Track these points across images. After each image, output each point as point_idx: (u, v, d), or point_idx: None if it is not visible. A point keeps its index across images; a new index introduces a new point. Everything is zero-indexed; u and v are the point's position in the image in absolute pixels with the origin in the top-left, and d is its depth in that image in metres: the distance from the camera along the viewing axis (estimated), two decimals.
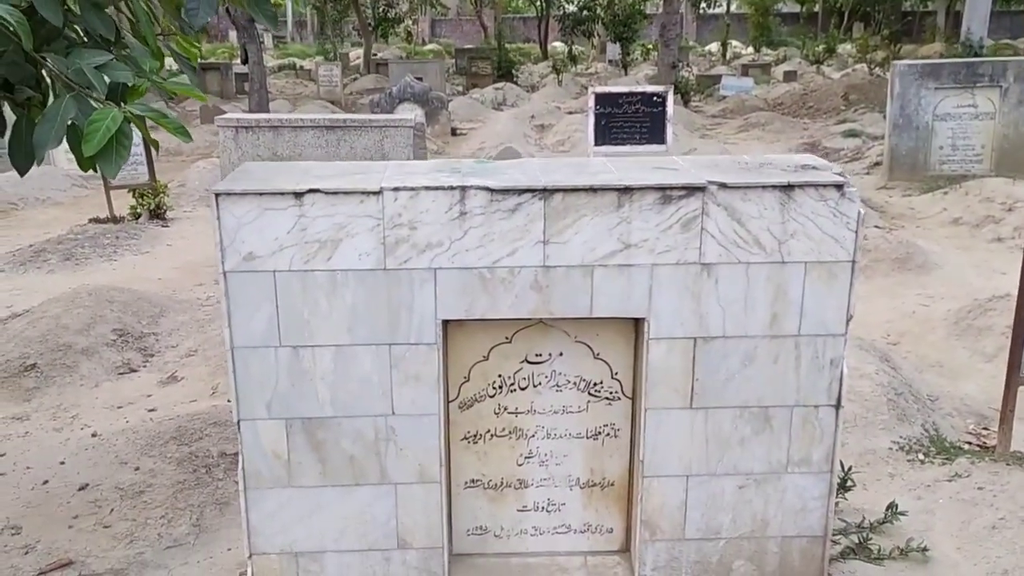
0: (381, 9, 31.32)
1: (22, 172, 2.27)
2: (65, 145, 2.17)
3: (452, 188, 2.34)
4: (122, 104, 2.03)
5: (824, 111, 16.48)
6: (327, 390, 2.45)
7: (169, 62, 2.61)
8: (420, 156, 11.28)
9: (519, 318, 2.48)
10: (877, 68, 20.51)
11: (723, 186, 2.37)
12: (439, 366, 2.46)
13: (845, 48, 32.69)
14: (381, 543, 2.58)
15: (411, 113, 13.51)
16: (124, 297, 5.37)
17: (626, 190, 2.36)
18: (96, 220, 7.82)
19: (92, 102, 2.04)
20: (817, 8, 45.44)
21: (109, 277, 6.32)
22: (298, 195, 2.31)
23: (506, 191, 2.35)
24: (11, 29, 1.93)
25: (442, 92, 16.87)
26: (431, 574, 2.61)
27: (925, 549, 2.92)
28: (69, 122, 2.03)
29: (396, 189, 2.33)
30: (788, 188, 2.38)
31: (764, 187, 2.38)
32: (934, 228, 7.74)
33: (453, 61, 28.89)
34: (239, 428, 2.47)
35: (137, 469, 3.47)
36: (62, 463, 3.62)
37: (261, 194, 2.30)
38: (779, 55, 34.30)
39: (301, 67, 29.09)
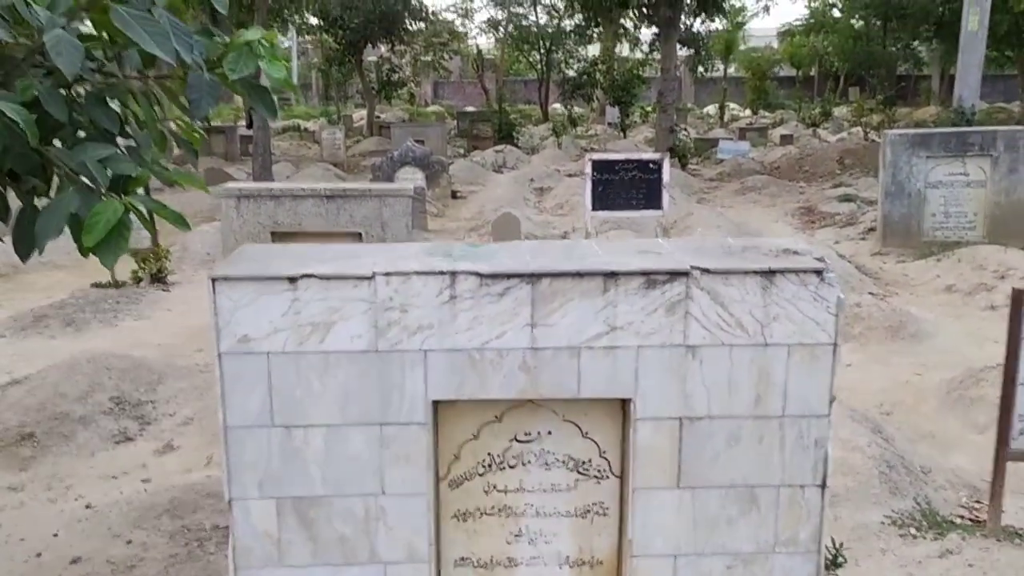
0: (385, 73, 31.94)
1: (24, 259, 2.34)
2: None
3: (442, 273, 2.41)
4: (123, 195, 2.11)
5: (820, 175, 16.70)
6: (318, 469, 2.49)
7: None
8: (419, 222, 11.44)
9: (508, 398, 2.53)
10: (872, 132, 20.87)
11: (706, 271, 2.44)
12: (429, 445, 2.50)
13: (841, 111, 33.25)
14: None
15: (412, 176, 13.75)
16: (122, 364, 5.41)
17: (612, 275, 2.43)
18: (98, 285, 7.90)
19: (95, 194, 2.12)
20: (813, 72, 46.31)
21: (109, 342, 6.37)
22: (292, 280, 2.38)
23: (495, 276, 2.41)
24: (18, 126, 2.01)
25: (443, 155, 17.15)
26: None
27: None
28: (72, 212, 2.11)
29: (388, 274, 2.40)
30: (769, 273, 2.45)
31: (746, 272, 2.44)
32: (928, 295, 7.82)
33: (455, 123, 29.36)
34: (230, 507, 2.49)
35: (129, 542, 3.49)
36: (55, 535, 3.63)
37: (257, 279, 2.37)
38: (776, 118, 34.89)
39: (305, 129, 29.56)
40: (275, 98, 2.69)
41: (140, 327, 6.98)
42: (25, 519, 3.83)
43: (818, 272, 2.46)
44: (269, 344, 2.41)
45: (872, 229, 10.33)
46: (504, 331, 2.44)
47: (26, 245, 2.27)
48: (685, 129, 22.64)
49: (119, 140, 2.48)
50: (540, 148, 24.33)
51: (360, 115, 33.41)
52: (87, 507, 3.90)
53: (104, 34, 2.39)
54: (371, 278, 2.39)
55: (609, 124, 29.79)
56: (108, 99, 2.36)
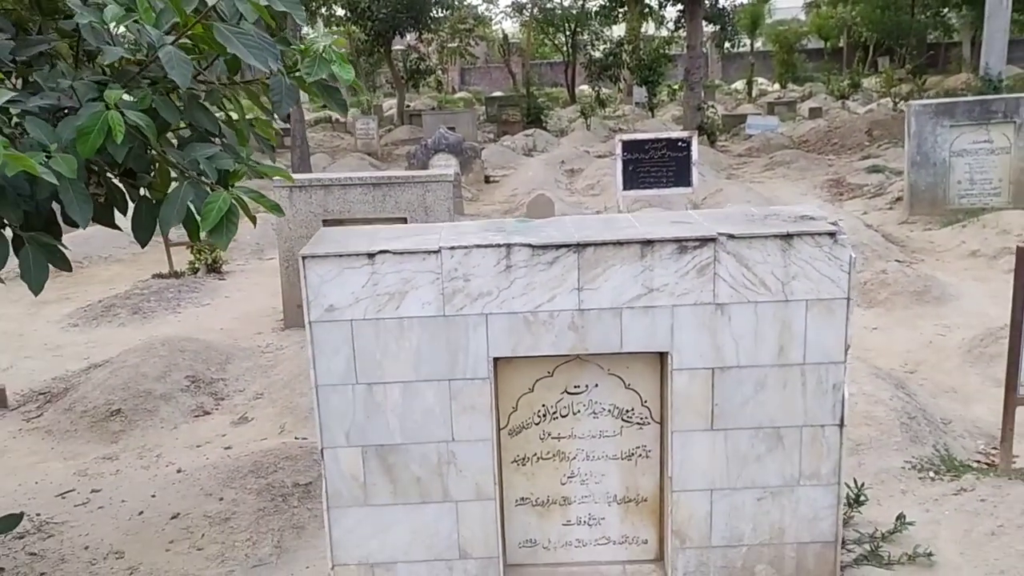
0: (413, 62, 32.30)
1: (143, 244, 2.73)
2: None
3: (499, 246, 2.77)
4: (228, 188, 2.48)
5: (848, 147, 16.81)
6: (396, 420, 2.87)
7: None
8: (458, 206, 11.80)
9: (559, 355, 2.88)
10: (902, 102, 20.83)
11: (731, 237, 2.77)
12: (491, 398, 2.87)
13: (870, 82, 33.04)
14: (445, 554, 2.97)
15: (446, 163, 14.11)
16: (193, 346, 5.85)
17: (648, 242, 2.77)
18: (159, 275, 8.37)
19: (204, 187, 2.49)
20: (842, 43, 45.86)
21: (175, 328, 6.82)
22: (371, 255, 2.75)
23: (545, 247, 2.77)
24: (140, 131, 2.39)
25: (474, 141, 17.48)
26: None
27: (930, 554, 3.24)
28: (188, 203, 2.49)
29: (452, 248, 2.76)
30: (788, 237, 2.77)
31: (767, 237, 2.77)
32: (953, 261, 8.04)
33: (483, 109, 29.63)
34: (322, 455, 2.88)
35: (221, 499, 3.90)
36: (153, 496, 4.06)
37: (340, 255, 2.75)
38: (805, 91, 34.72)
39: (337, 120, 30.01)
40: (344, 97, 3.07)
41: (201, 313, 7.43)
42: (123, 484, 4.26)
43: (832, 234, 2.78)
44: (352, 312, 2.79)
45: (899, 199, 10.51)
46: (554, 295, 2.80)
47: (146, 232, 2.66)
48: (713, 106, 22.73)
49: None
50: (569, 130, 24.57)
51: (389, 104, 33.81)
52: (178, 471, 4.32)
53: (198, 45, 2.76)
54: (438, 252, 2.76)
55: (637, 104, 29.89)
56: (210, 103, 2.74)
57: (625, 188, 9.91)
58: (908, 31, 36.13)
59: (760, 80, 39.70)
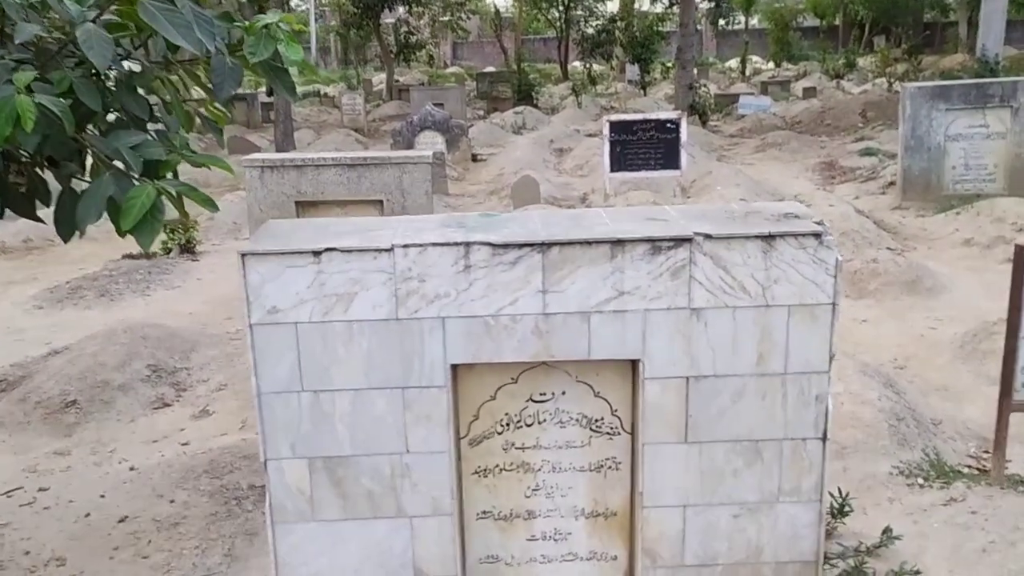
0: (403, 35, 31.84)
1: (66, 240, 2.51)
2: None
3: (457, 244, 2.54)
4: (155, 180, 2.26)
5: (842, 128, 16.59)
6: (346, 430, 2.66)
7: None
8: (440, 186, 11.56)
9: (523, 361, 2.67)
10: (897, 82, 20.58)
11: (708, 237, 2.55)
12: (449, 407, 2.66)
13: (866, 62, 32.74)
14: (399, 573, 2.77)
15: (432, 140, 13.84)
16: (157, 333, 5.63)
17: (618, 242, 2.55)
18: (129, 256, 8.13)
19: (129, 179, 2.27)
20: (838, 22, 45.50)
21: (143, 312, 6.60)
22: (316, 253, 2.53)
23: (507, 246, 2.55)
24: (56, 116, 2.16)
25: (463, 118, 17.19)
26: None
27: (918, 572, 3.06)
28: (109, 196, 2.26)
29: (406, 246, 2.54)
30: (770, 238, 2.56)
31: (747, 237, 2.56)
32: (946, 249, 7.85)
33: (474, 85, 29.27)
34: (266, 467, 2.67)
35: (172, 502, 3.70)
36: (102, 496, 3.85)
37: (283, 253, 2.52)
38: (799, 70, 34.42)
39: (325, 94, 29.60)
40: (294, 78, 2.83)
41: (171, 297, 7.20)
42: (73, 482, 4.06)
43: (816, 235, 2.57)
44: (296, 314, 2.57)
45: (893, 183, 10.31)
46: (517, 298, 2.58)
47: (68, 227, 2.44)
48: (705, 85, 22.45)
49: (149, 125, 2.64)
50: (560, 108, 24.27)
51: (379, 79, 33.37)
52: (131, 469, 4.12)
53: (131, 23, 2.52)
54: (390, 250, 2.54)
55: (629, 82, 29.58)
56: (139, 86, 2.50)
57: (613, 170, 9.69)
58: (904, 10, 35.79)
59: (754, 58, 39.34)
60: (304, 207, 6.46)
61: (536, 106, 23.36)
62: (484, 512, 2.90)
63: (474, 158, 15.02)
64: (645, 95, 26.86)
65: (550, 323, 2.60)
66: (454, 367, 2.67)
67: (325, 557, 2.74)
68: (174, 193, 2.26)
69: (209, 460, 4.00)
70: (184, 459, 4.11)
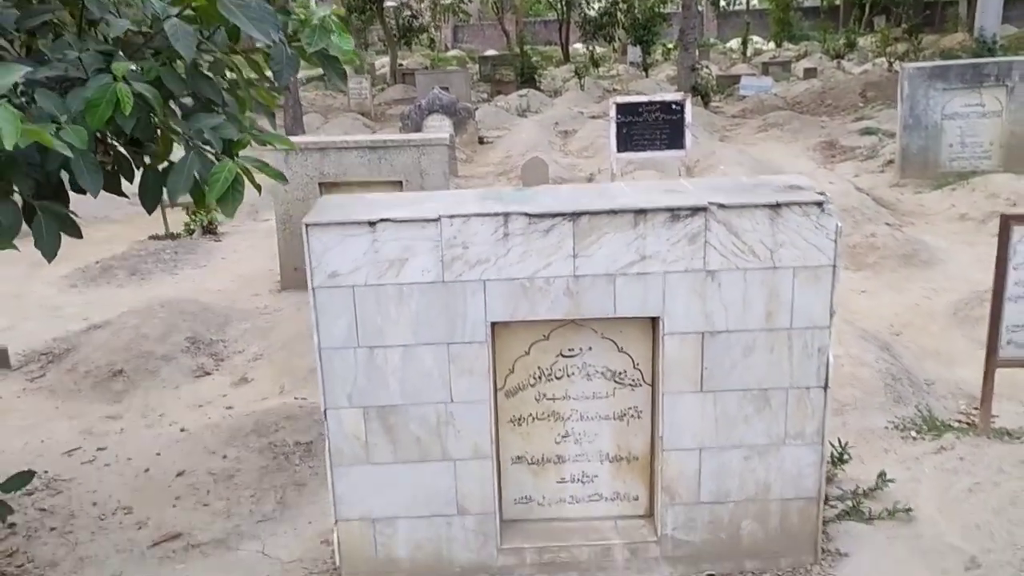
0: (405, 19, 31.99)
1: (150, 211, 2.81)
2: None
3: (497, 214, 2.85)
4: (233, 157, 2.55)
5: (842, 108, 16.83)
6: (397, 383, 2.97)
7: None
8: (452, 168, 11.83)
9: (554, 319, 2.98)
10: (897, 62, 20.78)
11: (722, 206, 2.86)
12: (489, 361, 2.97)
13: (866, 42, 32.86)
14: (444, 510, 3.09)
15: (440, 123, 14.09)
16: (192, 308, 5.94)
17: (641, 211, 2.85)
18: (155, 237, 8.42)
19: (210, 156, 2.56)
20: (838, 2, 45.50)
21: (173, 289, 6.90)
22: (372, 224, 2.83)
23: (542, 215, 2.85)
24: (147, 101, 2.45)
25: (468, 101, 17.42)
26: (485, 536, 3.12)
27: (909, 510, 3.38)
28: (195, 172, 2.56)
29: (451, 216, 2.84)
30: (776, 207, 2.86)
31: (756, 206, 2.86)
32: (942, 224, 8.15)
33: (477, 68, 29.43)
34: (325, 416, 2.99)
35: (225, 457, 4.01)
36: (158, 454, 4.17)
37: (343, 223, 2.82)
38: (800, 50, 34.52)
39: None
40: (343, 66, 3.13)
41: (198, 275, 7.50)
42: (128, 442, 4.37)
43: (819, 204, 2.87)
44: (353, 279, 2.87)
45: (891, 162, 10.58)
46: (550, 262, 2.89)
47: (152, 200, 2.73)
48: (707, 67, 22.64)
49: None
50: (563, 91, 24.46)
51: (382, 63, 33.53)
52: (182, 431, 4.43)
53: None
54: (437, 220, 2.84)
55: (631, 64, 29.73)
56: (214, 74, 2.79)
57: (619, 151, 9.94)
58: None
59: (755, 39, 39.43)
60: (327, 188, 6.76)
61: (539, 89, 23.56)
62: (518, 457, 3.22)
63: (481, 141, 15.27)
64: (647, 77, 27.04)
65: (580, 284, 2.91)
66: (493, 325, 2.97)
67: (378, 496, 3.06)
68: (250, 168, 2.55)
69: (255, 421, 4.31)
70: (230, 420, 4.42)
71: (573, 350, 3.10)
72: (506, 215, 2.85)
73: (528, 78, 24.60)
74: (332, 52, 3.02)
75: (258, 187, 2.66)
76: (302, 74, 30.66)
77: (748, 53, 35.41)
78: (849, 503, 3.49)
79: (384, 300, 2.90)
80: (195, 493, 3.77)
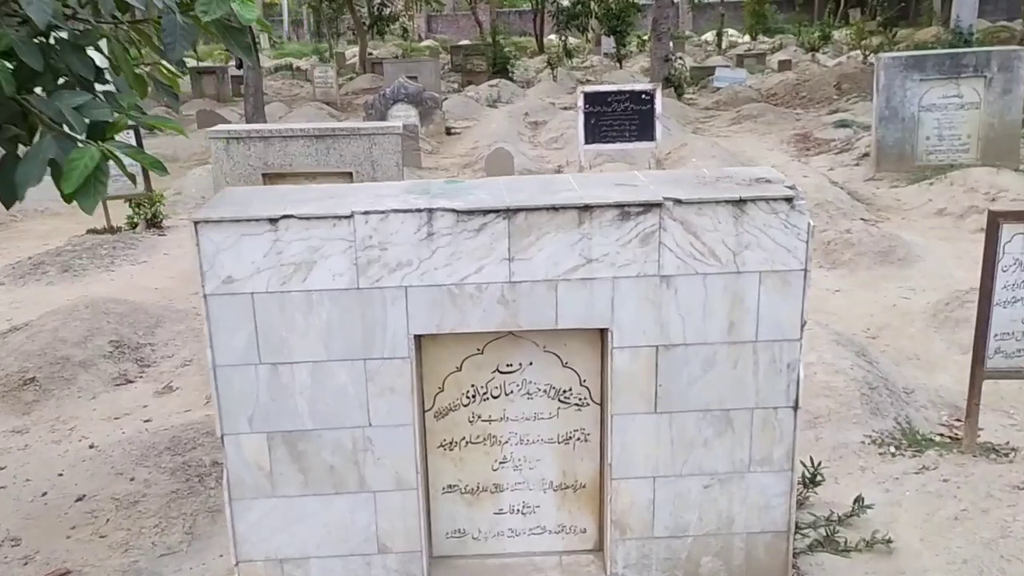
0: (376, 7, 31.39)
1: (7, 206, 2.39)
2: None
3: (419, 211, 2.46)
4: (100, 142, 2.14)
5: (817, 101, 16.56)
6: (306, 404, 2.57)
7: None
8: (413, 159, 11.41)
9: (489, 331, 2.60)
10: (872, 55, 20.55)
11: (678, 202, 2.48)
12: (412, 378, 2.58)
13: (841, 35, 32.70)
14: (362, 548, 2.70)
15: (406, 113, 13.65)
16: (121, 308, 5.49)
17: (586, 208, 2.47)
18: (93, 231, 7.94)
19: (73, 141, 2.15)
20: None
21: (107, 288, 6.45)
22: (273, 221, 2.43)
23: (471, 212, 2.46)
24: None
25: (436, 91, 16.97)
26: None
27: (889, 541, 3.04)
28: (51, 159, 2.15)
29: (366, 213, 2.44)
30: (740, 203, 2.49)
31: (717, 202, 2.49)
32: (919, 219, 7.85)
33: (448, 58, 28.96)
34: (223, 442, 2.59)
35: (132, 480, 3.60)
36: (60, 475, 3.75)
37: (238, 221, 2.42)
38: (775, 43, 34.35)
39: (297, 67, 29.19)
40: (253, 40, 2.71)
41: (137, 272, 7.05)
42: (30, 460, 3.95)
43: (788, 200, 2.51)
44: (253, 284, 2.47)
45: (866, 155, 10.28)
46: (482, 266, 2.50)
47: (8, 192, 2.31)
48: (681, 58, 22.32)
49: (100, 87, 2.51)
50: (535, 81, 24.07)
51: (353, 52, 32.94)
52: (91, 447, 4.01)
53: None
54: (350, 217, 2.44)
55: (605, 55, 29.39)
56: (85, 46, 2.38)
57: (587, 142, 9.58)
58: None
59: (730, 31, 39.20)
60: (272, 179, 6.31)
61: (511, 79, 23.14)
62: (450, 486, 2.84)
63: (448, 131, 14.85)
64: (621, 68, 26.69)
65: (516, 291, 2.53)
66: (418, 337, 2.59)
67: (286, 533, 2.67)
68: (120, 155, 2.15)
69: (171, 437, 3.91)
70: (146, 436, 4.01)
71: (511, 365, 2.72)
72: (430, 211, 2.46)
73: (500, 68, 24.16)
74: (234, 23, 2.61)
75: (132, 177, 2.25)
76: (269, 63, 30.04)
77: (723, 46, 35.17)
78: (823, 531, 3.14)
79: (289, 309, 2.50)
80: (93, 522, 3.36)
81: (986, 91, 9.04)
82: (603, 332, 2.64)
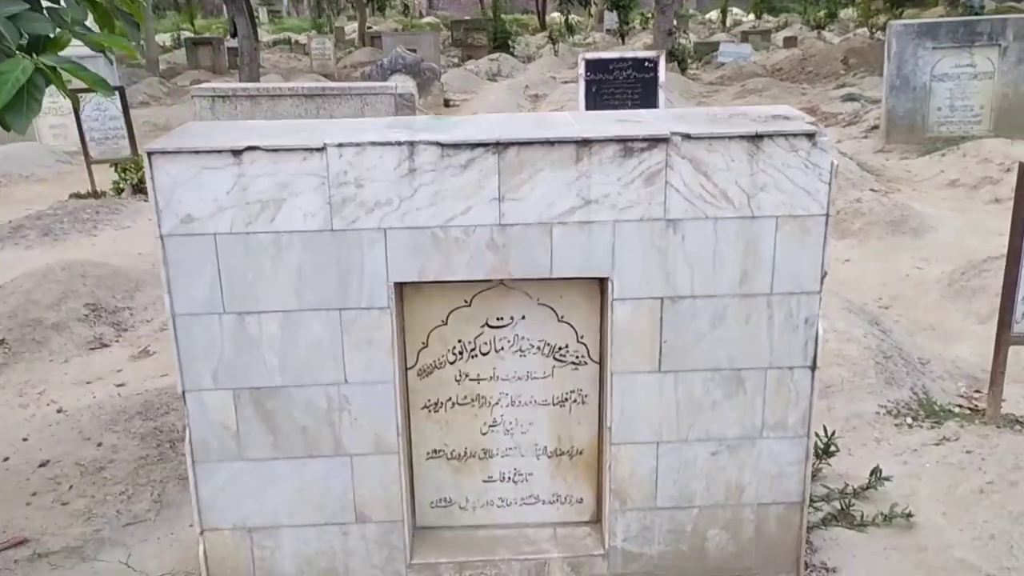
0: None
1: None
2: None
3: (400, 144, 2.21)
4: (35, 55, 1.90)
5: (823, 76, 16.25)
6: (275, 358, 2.34)
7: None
8: None
9: (477, 280, 2.36)
10: (878, 32, 20.19)
11: (687, 137, 2.24)
12: (393, 331, 2.34)
13: (847, 13, 32.27)
14: (338, 517, 2.47)
15: (403, 84, 13.35)
16: (99, 271, 5.25)
17: (584, 142, 2.23)
18: (76, 195, 7.69)
19: (4, 54, 1.91)
20: None
21: (88, 252, 6.20)
22: (236, 152, 2.18)
23: (457, 145, 2.22)
24: None
25: (435, 64, 16.67)
26: (391, 549, 2.51)
27: (909, 515, 2.81)
28: None
29: (340, 145, 2.20)
30: (756, 138, 2.25)
31: (731, 138, 2.24)
32: (931, 191, 7.59)
33: (449, 33, 28.58)
34: (184, 399, 2.36)
35: (100, 445, 3.38)
36: (25, 440, 3.53)
37: (197, 152, 2.18)
38: (780, 21, 33.93)
39: (296, 42, 28.80)
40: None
41: (120, 237, 6.80)
42: None
43: (809, 136, 2.26)
44: (215, 224, 2.23)
45: (875, 127, 10.01)
46: (469, 206, 2.26)
47: None
48: (685, 32, 21.98)
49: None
50: (536, 56, 23.73)
51: (352, 28, 32.53)
52: (59, 411, 3.79)
53: None
54: (322, 150, 2.20)
55: (607, 31, 28.99)
56: None
57: (588, 109, 9.29)
58: None
59: (735, 10, 38.73)
60: None
61: (512, 54, 22.80)
62: (435, 451, 2.61)
63: (446, 103, 14.56)
64: (623, 44, 26.33)
65: (507, 236, 2.28)
66: (399, 286, 2.35)
67: (254, 500, 2.44)
68: (57, 70, 1.90)
69: (144, 401, 3.68)
70: (117, 401, 3.78)
71: (502, 319, 2.49)
72: (411, 144, 2.21)
73: (501, 43, 23.82)
74: None
75: (74, 98, 2.01)
76: (268, 37, 29.66)
77: (727, 24, 34.74)
78: (837, 504, 2.92)
79: (256, 253, 2.26)
80: (55, 489, 3.13)
81: (1000, 60, 8.75)
82: (602, 282, 2.40)
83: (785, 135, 2.25)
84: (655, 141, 2.24)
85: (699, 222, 2.30)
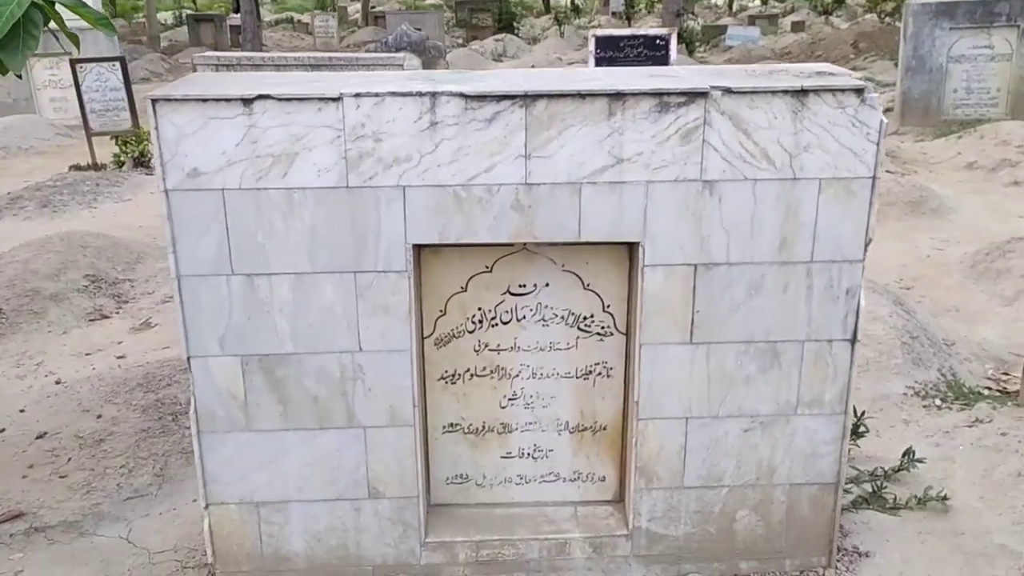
0: None
1: None
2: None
3: (421, 94, 2.07)
4: None
5: (833, 60, 16.02)
6: (286, 323, 2.21)
7: None
8: None
9: (499, 243, 2.23)
10: (888, 17, 19.96)
11: (728, 91, 2.10)
12: (410, 297, 2.21)
13: None
14: (350, 492, 2.35)
15: (408, 62, 13.17)
16: (99, 243, 5.12)
17: (617, 96, 2.09)
18: (76, 167, 7.55)
19: None
20: None
21: (87, 224, 6.06)
22: (247, 102, 2.04)
23: (482, 97, 2.08)
24: None
25: (440, 42, 16.46)
26: (405, 526, 2.39)
27: (945, 498, 2.69)
28: None
29: (358, 95, 2.06)
30: (801, 93, 2.11)
31: (774, 92, 2.10)
32: (948, 173, 7.44)
33: (453, 14, 28.32)
34: (189, 366, 2.23)
35: (99, 417, 3.25)
36: (22, 411, 3.41)
37: (205, 100, 2.04)
38: (787, 6, 33.61)
39: (299, 21, 28.55)
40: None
41: (121, 209, 6.66)
42: None
43: (858, 91, 2.12)
44: (223, 179, 2.10)
45: (889, 110, 9.83)
46: (493, 164, 2.12)
47: None
48: (693, 14, 21.74)
49: None
50: (542, 38, 23.49)
51: (356, 7, 32.23)
52: (57, 383, 3.67)
53: None
54: (338, 100, 2.06)
55: (613, 13, 28.68)
56: None
57: None
58: None
59: None
60: None
61: (517, 35, 22.57)
62: (452, 424, 2.49)
63: None
64: (629, 27, 26.05)
65: (533, 196, 2.15)
66: (417, 248, 2.22)
67: (263, 474, 2.32)
68: (56, 6, 1.76)
69: (145, 373, 3.56)
70: (117, 372, 3.65)
71: (524, 286, 2.35)
72: (433, 95, 2.07)
73: (506, 24, 23.56)
74: None
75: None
76: (270, 16, 29.41)
77: (734, 7, 34.44)
78: (868, 487, 2.80)
79: (267, 210, 2.13)
80: (53, 461, 3.01)
81: (1019, 42, 8.58)
82: (632, 248, 2.27)
83: (832, 90, 2.11)
84: (693, 95, 2.10)
85: (737, 184, 2.16)
